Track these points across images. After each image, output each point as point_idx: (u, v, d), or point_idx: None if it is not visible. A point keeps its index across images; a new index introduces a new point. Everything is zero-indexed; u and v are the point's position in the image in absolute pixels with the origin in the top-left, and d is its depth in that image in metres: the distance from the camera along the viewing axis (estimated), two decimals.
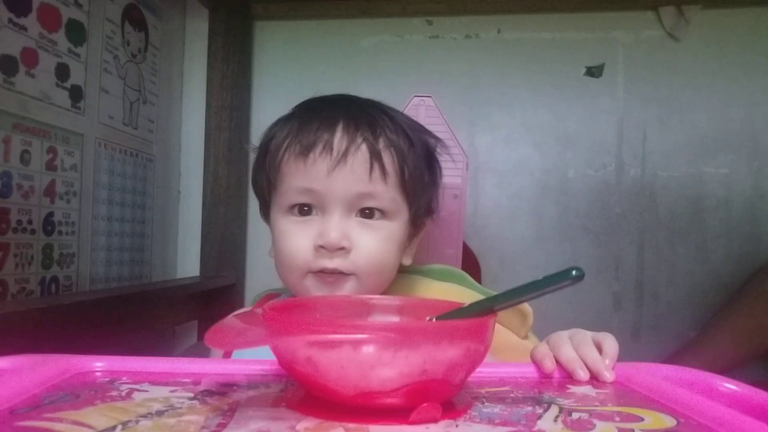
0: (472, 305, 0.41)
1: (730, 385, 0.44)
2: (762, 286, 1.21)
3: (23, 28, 0.95)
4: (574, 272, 0.36)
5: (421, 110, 0.90)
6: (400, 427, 0.36)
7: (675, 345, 1.27)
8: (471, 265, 1.02)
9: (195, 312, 1.34)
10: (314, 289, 0.66)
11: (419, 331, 0.37)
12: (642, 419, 0.38)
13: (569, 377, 0.50)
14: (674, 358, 1.23)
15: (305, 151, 0.65)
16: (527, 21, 1.38)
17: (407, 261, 0.74)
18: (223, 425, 0.35)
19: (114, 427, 0.34)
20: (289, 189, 0.67)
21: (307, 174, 0.65)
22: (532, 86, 1.37)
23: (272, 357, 0.39)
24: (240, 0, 1.40)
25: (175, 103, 1.45)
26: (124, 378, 0.45)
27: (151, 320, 1.15)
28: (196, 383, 0.45)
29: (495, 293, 0.42)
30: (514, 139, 1.37)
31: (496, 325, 0.73)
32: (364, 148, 0.65)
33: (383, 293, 0.69)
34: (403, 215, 0.69)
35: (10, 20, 0.92)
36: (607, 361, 0.50)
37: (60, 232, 1.05)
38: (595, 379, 0.49)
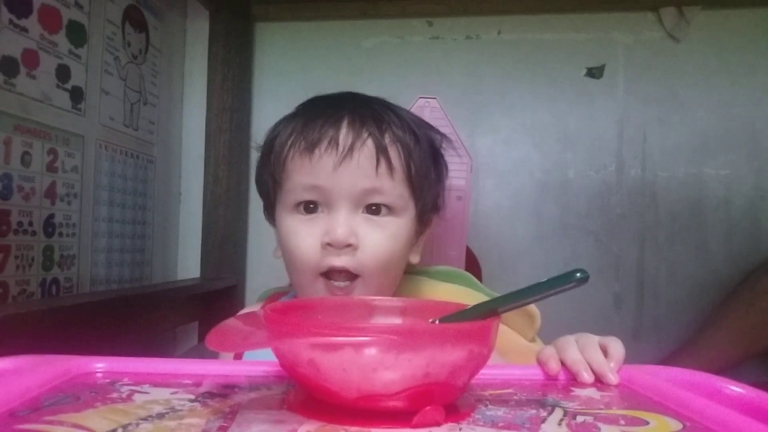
0: (475, 307, 0.41)
1: (735, 388, 0.43)
2: (757, 286, 1.21)
3: (24, 30, 0.95)
4: (578, 275, 0.36)
5: (425, 111, 0.90)
6: (402, 431, 0.36)
7: (675, 345, 1.27)
8: (471, 265, 1.02)
9: (195, 313, 1.34)
10: (323, 294, 0.66)
11: (422, 334, 0.37)
12: (647, 423, 0.38)
13: (574, 380, 0.50)
14: (671, 358, 1.23)
15: (310, 148, 0.64)
16: (528, 22, 1.38)
17: (415, 259, 0.73)
18: (224, 428, 0.35)
19: (114, 430, 0.34)
20: (295, 186, 0.66)
21: (312, 170, 0.64)
22: (533, 87, 1.37)
23: None
24: (241, 1, 1.40)
25: (175, 104, 1.45)
26: (125, 379, 0.45)
27: (152, 322, 1.15)
28: (197, 385, 0.44)
29: (501, 295, 0.42)
30: (514, 139, 1.37)
31: (504, 327, 0.73)
32: (370, 143, 0.64)
33: (392, 295, 0.69)
34: (410, 211, 0.68)
35: (10, 21, 0.92)
36: (612, 364, 0.49)
37: (60, 234, 1.05)
38: (599, 381, 0.49)
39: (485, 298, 0.43)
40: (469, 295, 0.73)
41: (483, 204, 1.36)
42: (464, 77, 1.38)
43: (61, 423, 0.34)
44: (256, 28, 1.45)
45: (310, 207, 0.66)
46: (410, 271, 0.75)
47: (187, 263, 1.46)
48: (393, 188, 0.65)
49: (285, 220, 0.68)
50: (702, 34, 1.32)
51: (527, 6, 1.36)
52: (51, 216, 1.03)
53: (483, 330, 0.38)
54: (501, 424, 0.37)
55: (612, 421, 0.38)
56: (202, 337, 1.36)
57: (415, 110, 0.90)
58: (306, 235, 0.65)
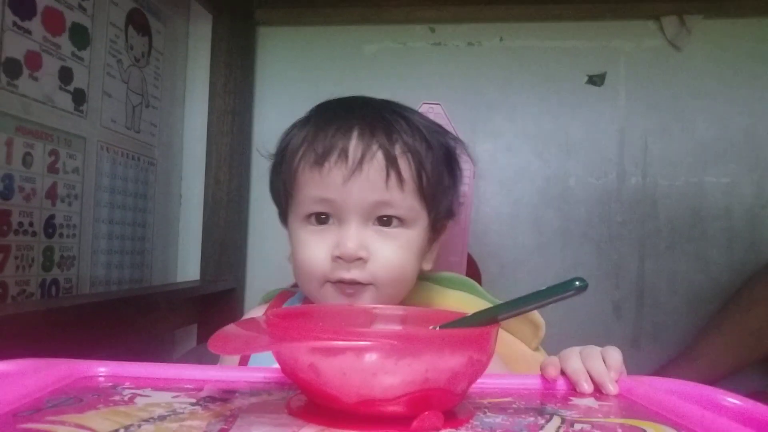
0: (475, 315, 0.41)
1: (733, 400, 0.44)
2: (754, 292, 1.21)
3: (27, 32, 0.95)
4: (577, 283, 0.37)
5: (429, 117, 0.90)
6: None
7: (675, 353, 1.27)
8: (472, 271, 1.02)
9: (195, 316, 1.34)
10: (333, 298, 0.65)
11: (422, 339, 0.37)
12: (645, 431, 0.38)
13: (573, 389, 0.50)
14: (669, 366, 1.23)
15: (320, 160, 0.64)
16: (529, 29, 1.38)
17: (428, 266, 0.73)
18: (225, 431, 0.35)
19: (116, 431, 0.34)
20: (306, 198, 0.66)
21: (322, 183, 0.64)
22: (534, 94, 1.37)
23: None
24: (243, 5, 1.40)
25: (177, 107, 1.45)
26: (127, 383, 0.45)
27: (151, 324, 1.15)
28: (199, 389, 0.45)
29: (500, 303, 0.42)
30: (515, 146, 1.37)
31: (509, 336, 0.73)
32: (379, 155, 0.63)
33: (402, 301, 0.69)
34: (422, 222, 0.67)
35: (14, 23, 0.92)
36: (612, 374, 0.50)
37: (61, 235, 1.05)
38: (598, 391, 0.49)
39: (490, 306, 0.44)
40: (474, 302, 0.73)
41: (483, 211, 1.36)
42: (466, 83, 1.39)
43: (63, 423, 0.35)
44: (258, 32, 1.45)
45: (321, 218, 0.66)
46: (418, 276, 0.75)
47: (187, 265, 1.46)
48: (403, 200, 0.65)
49: (296, 230, 0.68)
50: (703, 43, 1.33)
51: (529, 13, 1.36)
52: (51, 217, 1.03)
53: (482, 337, 0.39)
54: (499, 431, 0.37)
55: (610, 430, 0.38)
56: (201, 340, 1.36)
57: None
58: (316, 247, 0.65)
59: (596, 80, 1.36)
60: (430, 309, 0.61)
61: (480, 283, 1.04)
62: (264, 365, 0.49)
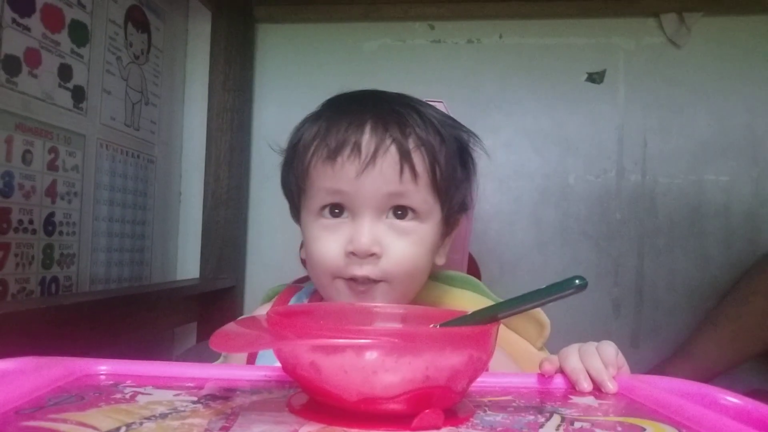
0: (475, 313, 0.41)
1: (732, 398, 0.44)
2: (749, 287, 1.21)
3: (27, 29, 0.95)
4: (577, 281, 0.37)
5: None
6: None
7: (674, 351, 1.27)
8: (472, 269, 1.02)
9: (194, 314, 1.34)
10: (345, 294, 0.65)
11: (422, 338, 0.37)
12: (644, 429, 0.38)
13: (572, 388, 0.50)
14: (666, 363, 1.23)
15: (333, 155, 0.63)
16: (529, 26, 1.38)
17: (440, 261, 0.72)
18: (226, 429, 0.35)
19: (118, 429, 0.34)
20: (319, 191, 0.65)
21: (335, 176, 0.63)
22: (534, 91, 1.37)
23: None
24: (243, 3, 1.40)
25: (177, 104, 1.45)
26: (128, 381, 0.45)
27: (151, 321, 1.16)
28: (200, 387, 0.45)
29: (499, 302, 0.42)
30: (514, 143, 1.38)
31: (514, 334, 0.73)
32: (393, 149, 0.63)
33: (412, 300, 0.69)
34: (435, 216, 0.67)
35: (13, 20, 0.92)
36: (609, 370, 0.50)
37: (61, 233, 1.05)
38: (597, 389, 0.49)
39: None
40: (479, 301, 0.73)
41: (483, 208, 1.36)
42: (465, 80, 1.39)
43: (65, 421, 0.35)
44: (257, 29, 1.45)
45: (335, 211, 0.65)
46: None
47: (187, 263, 1.46)
48: (417, 193, 0.64)
49: (310, 224, 0.67)
50: (703, 40, 1.33)
51: (529, 10, 1.36)
52: (51, 214, 1.03)
53: (482, 335, 0.39)
54: (499, 429, 0.37)
55: (609, 427, 0.38)
56: (200, 338, 1.37)
57: None
58: (330, 242, 0.65)
59: (595, 77, 1.36)
60: (431, 307, 0.61)
61: (480, 280, 1.04)
62: (272, 363, 0.49)
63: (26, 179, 0.97)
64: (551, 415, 0.41)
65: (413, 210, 0.65)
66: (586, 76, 1.36)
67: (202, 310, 1.35)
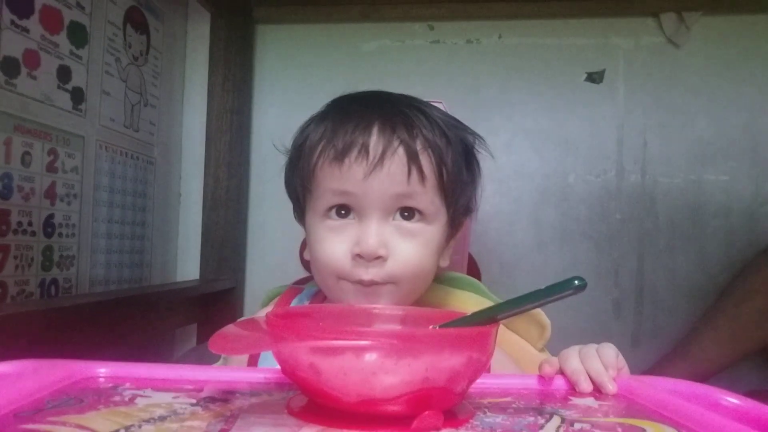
0: (474, 314, 0.41)
1: (732, 399, 0.44)
2: (746, 285, 1.20)
3: (25, 30, 0.95)
4: (576, 282, 0.37)
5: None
6: None
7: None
8: (472, 270, 1.02)
9: (194, 315, 1.34)
10: (351, 295, 0.65)
11: (422, 339, 0.37)
12: (644, 430, 0.38)
13: (572, 389, 0.50)
14: (665, 360, 1.23)
15: (340, 156, 0.63)
16: (528, 26, 1.38)
17: (444, 263, 0.72)
18: (225, 431, 0.35)
19: (117, 431, 0.34)
20: (325, 192, 0.65)
21: (342, 178, 0.63)
22: (533, 91, 1.37)
23: None
24: (242, 3, 1.40)
25: (176, 105, 1.45)
26: (128, 384, 0.45)
27: (151, 323, 1.15)
28: (199, 390, 0.45)
29: (499, 303, 0.42)
30: (514, 144, 1.37)
31: (515, 335, 0.73)
32: (401, 150, 0.62)
33: (416, 301, 0.69)
34: (441, 218, 0.67)
35: (12, 22, 0.92)
36: (610, 371, 0.50)
37: (60, 234, 1.05)
38: (597, 390, 0.49)
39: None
40: (480, 302, 0.72)
41: (482, 209, 1.35)
42: (464, 81, 1.39)
43: (64, 424, 0.35)
44: (257, 30, 1.45)
45: (341, 212, 0.65)
46: None
47: (187, 265, 1.46)
48: (424, 194, 0.64)
49: (315, 226, 0.66)
50: (702, 39, 1.33)
51: (528, 10, 1.36)
52: (51, 216, 1.03)
53: (482, 336, 0.39)
54: (499, 431, 0.37)
55: (609, 428, 0.38)
56: (201, 339, 1.36)
57: None
58: (336, 243, 0.64)
59: (595, 77, 1.36)
60: (431, 309, 0.60)
61: (480, 281, 1.04)
62: (274, 365, 0.49)
63: (25, 181, 0.97)
64: (551, 417, 0.40)
65: (420, 212, 0.64)
66: (585, 76, 1.36)
67: (202, 311, 1.35)
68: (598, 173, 1.35)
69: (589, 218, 1.35)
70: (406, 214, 0.64)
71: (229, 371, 0.52)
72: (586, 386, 0.49)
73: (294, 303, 0.77)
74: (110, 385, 0.45)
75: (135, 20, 1.26)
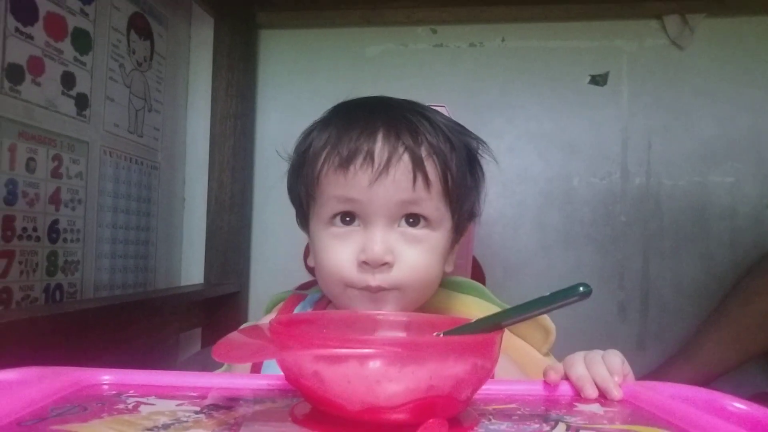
0: (479, 321, 0.41)
1: (738, 404, 0.43)
2: (750, 287, 1.20)
3: (30, 37, 0.95)
4: (581, 288, 0.36)
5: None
6: None
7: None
8: (476, 274, 1.02)
9: (199, 319, 1.34)
10: (359, 301, 0.64)
11: (426, 347, 0.37)
12: None
13: (577, 395, 0.50)
14: (669, 363, 1.22)
15: (345, 163, 0.62)
16: (531, 29, 1.38)
17: (449, 268, 0.72)
18: None
19: None
20: (330, 199, 0.64)
21: (347, 185, 0.63)
22: (537, 95, 1.37)
23: None
24: (245, 9, 1.40)
25: (180, 111, 1.45)
26: (131, 391, 0.45)
27: (155, 328, 1.15)
28: (203, 397, 0.45)
29: (503, 309, 0.42)
30: (517, 147, 1.37)
31: (520, 340, 0.73)
32: (406, 157, 0.62)
33: (421, 307, 0.68)
34: (446, 224, 0.66)
35: (16, 29, 0.93)
36: (615, 378, 0.49)
37: (65, 240, 1.06)
38: (603, 397, 0.49)
39: (498, 310, 0.43)
40: (483, 307, 0.72)
41: (486, 212, 1.34)
42: (468, 84, 1.38)
43: None
44: (260, 35, 1.45)
45: (346, 219, 0.64)
46: None
47: (191, 269, 1.46)
48: (430, 201, 0.64)
49: (320, 233, 0.66)
50: (706, 41, 1.33)
51: (531, 14, 1.36)
52: (55, 222, 1.03)
53: (486, 343, 0.39)
54: None
55: None
56: (205, 344, 1.37)
57: None
58: (341, 250, 0.64)
59: (599, 80, 1.36)
60: (435, 315, 0.60)
61: (484, 285, 1.04)
62: (278, 371, 0.49)
63: (30, 187, 0.97)
64: (556, 423, 0.40)
65: (425, 218, 0.64)
66: (589, 78, 1.36)
67: (206, 315, 1.35)
68: (603, 176, 1.35)
69: (594, 221, 1.35)
70: (411, 220, 0.64)
71: (233, 378, 0.51)
72: (591, 392, 0.49)
73: (297, 310, 0.76)
74: (114, 392, 0.45)
75: (138, 26, 1.26)
